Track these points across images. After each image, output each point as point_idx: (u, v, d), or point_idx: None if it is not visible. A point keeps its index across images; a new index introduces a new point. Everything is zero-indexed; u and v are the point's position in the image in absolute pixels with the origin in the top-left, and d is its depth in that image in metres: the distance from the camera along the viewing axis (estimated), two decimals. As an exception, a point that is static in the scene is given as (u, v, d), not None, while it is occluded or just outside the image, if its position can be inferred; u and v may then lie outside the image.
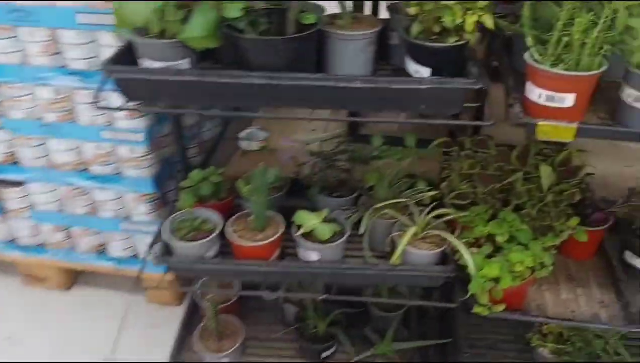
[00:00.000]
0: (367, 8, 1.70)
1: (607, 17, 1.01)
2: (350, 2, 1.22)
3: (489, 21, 1.10)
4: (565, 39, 1.04)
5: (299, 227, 1.46)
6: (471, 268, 1.30)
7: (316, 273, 1.45)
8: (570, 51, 1.05)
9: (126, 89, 1.17)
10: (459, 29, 1.13)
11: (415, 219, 1.48)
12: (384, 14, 1.40)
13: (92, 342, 1.92)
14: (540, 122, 1.08)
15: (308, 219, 1.45)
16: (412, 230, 1.44)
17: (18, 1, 1.53)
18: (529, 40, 1.09)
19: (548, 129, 1.07)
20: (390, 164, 1.57)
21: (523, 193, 1.35)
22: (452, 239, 1.38)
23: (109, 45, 1.55)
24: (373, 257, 1.52)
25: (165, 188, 1.89)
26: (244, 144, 2.10)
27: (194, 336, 1.76)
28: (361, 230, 1.49)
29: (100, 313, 2.03)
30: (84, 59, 1.60)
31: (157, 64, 1.14)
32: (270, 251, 1.47)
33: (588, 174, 1.44)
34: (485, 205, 1.42)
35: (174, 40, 1.12)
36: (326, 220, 1.50)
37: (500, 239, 1.35)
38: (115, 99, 1.44)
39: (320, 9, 1.20)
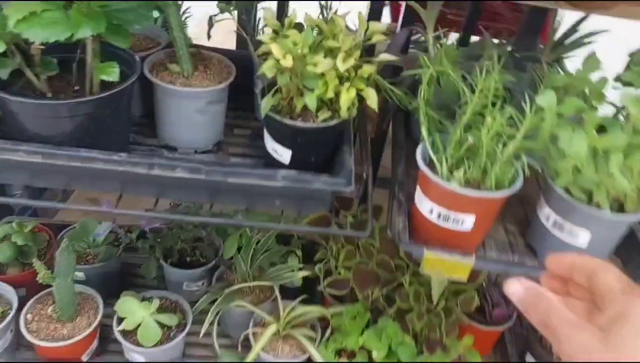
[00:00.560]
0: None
1: (528, 121, 0.71)
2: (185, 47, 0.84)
3: (372, 98, 0.77)
4: (469, 142, 0.74)
5: (121, 320, 1.10)
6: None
7: (140, 381, 1.11)
8: (475, 156, 0.75)
9: None
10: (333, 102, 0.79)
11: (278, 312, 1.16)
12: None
13: None
14: (428, 253, 0.77)
15: (132, 312, 1.09)
16: (271, 329, 1.13)
17: None
18: (423, 132, 0.78)
19: (437, 263, 0.77)
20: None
21: (409, 296, 1.06)
22: (313, 350, 1.08)
23: None
24: (225, 351, 1.19)
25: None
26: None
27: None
28: (209, 319, 1.15)
29: None
30: None
31: None
32: (82, 348, 1.11)
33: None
34: (364, 303, 1.12)
35: None
36: (163, 307, 1.15)
37: (376, 356, 1.05)
38: None
39: (133, 59, 0.82)
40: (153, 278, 1.28)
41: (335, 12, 0.86)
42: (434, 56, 0.89)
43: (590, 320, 0.41)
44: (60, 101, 0.72)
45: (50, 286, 1.11)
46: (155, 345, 1.07)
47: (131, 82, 0.76)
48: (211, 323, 1.14)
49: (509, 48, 0.95)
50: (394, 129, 1.00)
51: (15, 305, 1.11)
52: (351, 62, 0.74)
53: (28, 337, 1.05)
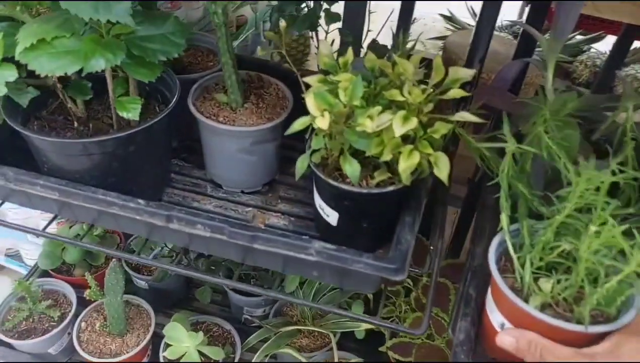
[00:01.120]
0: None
1: None
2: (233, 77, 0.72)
3: (442, 168, 0.59)
4: (562, 248, 0.54)
5: (167, 345, 1.04)
6: None
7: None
8: (570, 268, 0.55)
9: None
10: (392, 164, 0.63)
11: (333, 364, 1.03)
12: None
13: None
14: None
15: (178, 340, 1.02)
16: (320, 386, 1.00)
17: None
18: (503, 219, 0.58)
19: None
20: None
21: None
22: None
23: None
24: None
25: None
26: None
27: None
28: (256, 360, 1.05)
29: None
30: None
31: None
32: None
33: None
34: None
35: None
36: (214, 336, 1.08)
37: None
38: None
39: (174, 82, 0.71)
40: (209, 302, 1.21)
41: (411, 44, 0.68)
42: (551, 104, 0.67)
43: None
44: (69, 140, 0.64)
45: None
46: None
47: (159, 118, 0.66)
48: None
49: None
50: (483, 194, 0.79)
51: (74, 307, 1.10)
52: (414, 123, 0.56)
53: (77, 348, 1.03)
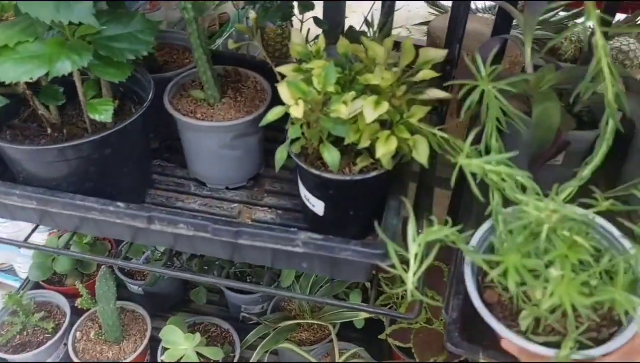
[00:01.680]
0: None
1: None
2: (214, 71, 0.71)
3: (421, 151, 0.58)
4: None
5: (165, 349, 1.03)
6: None
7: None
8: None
9: None
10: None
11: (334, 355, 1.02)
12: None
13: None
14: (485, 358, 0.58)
15: (175, 344, 1.01)
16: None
17: None
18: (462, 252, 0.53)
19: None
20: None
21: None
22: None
23: None
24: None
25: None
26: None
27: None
28: (256, 356, 1.05)
29: None
30: None
31: None
32: (127, 372, 1.06)
33: None
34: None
35: None
36: (212, 337, 1.07)
37: None
38: None
39: (148, 81, 0.70)
40: (205, 303, 1.20)
41: (382, 27, 0.66)
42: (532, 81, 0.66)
43: None
44: (41, 147, 0.63)
45: (102, 303, 1.07)
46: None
47: (133, 119, 0.64)
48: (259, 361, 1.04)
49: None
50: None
51: (68, 317, 1.09)
52: (385, 107, 0.55)
53: (74, 358, 1.02)
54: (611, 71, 0.47)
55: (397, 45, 0.63)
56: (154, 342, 1.08)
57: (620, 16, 1.50)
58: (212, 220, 0.63)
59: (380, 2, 0.83)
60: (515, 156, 0.57)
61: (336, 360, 1.01)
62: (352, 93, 0.56)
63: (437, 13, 1.81)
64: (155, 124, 0.77)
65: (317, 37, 0.66)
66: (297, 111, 0.53)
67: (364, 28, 0.79)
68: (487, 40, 0.82)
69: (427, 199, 0.72)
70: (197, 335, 1.00)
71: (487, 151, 0.58)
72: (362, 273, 0.67)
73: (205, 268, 1.11)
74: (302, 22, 0.79)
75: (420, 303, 0.65)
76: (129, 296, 1.17)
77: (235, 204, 0.76)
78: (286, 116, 0.59)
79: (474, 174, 0.49)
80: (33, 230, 0.79)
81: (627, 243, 0.49)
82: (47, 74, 0.55)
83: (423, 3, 1.85)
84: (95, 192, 0.66)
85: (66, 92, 0.67)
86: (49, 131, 0.68)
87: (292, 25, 0.84)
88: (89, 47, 0.57)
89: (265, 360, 1.04)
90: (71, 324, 1.08)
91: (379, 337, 0.99)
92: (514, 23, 0.85)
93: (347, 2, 0.95)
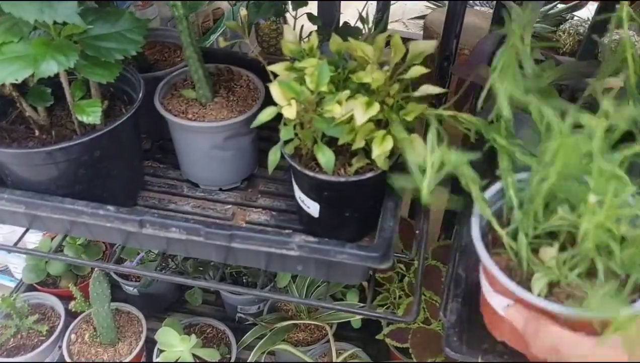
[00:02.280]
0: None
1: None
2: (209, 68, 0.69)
3: (419, 152, 0.57)
4: (558, 217, 0.46)
5: (161, 351, 1.02)
6: None
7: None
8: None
9: None
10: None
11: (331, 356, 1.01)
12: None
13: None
14: (485, 366, 0.56)
15: (171, 346, 1.00)
16: (319, 380, 0.98)
17: None
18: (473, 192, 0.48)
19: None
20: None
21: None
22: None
23: None
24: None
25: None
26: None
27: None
28: (253, 357, 1.03)
29: None
30: None
31: None
32: (122, 375, 1.05)
33: None
34: (429, 364, 0.93)
35: None
36: (208, 338, 1.06)
37: None
38: None
39: (138, 80, 0.68)
40: (201, 303, 1.18)
41: (377, 23, 0.65)
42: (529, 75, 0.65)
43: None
44: (28, 150, 0.61)
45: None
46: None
47: (123, 120, 0.63)
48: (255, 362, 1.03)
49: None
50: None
51: (62, 319, 1.08)
52: (376, 108, 0.53)
53: (68, 360, 1.01)
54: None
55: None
56: (150, 343, 1.07)
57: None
58: (205, 223, 0.62)
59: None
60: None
61: (333, 361, 1.00)
62: (347, 92, 0.54)
63: (433, 7, 1.79)
64: (147, 125, 0.76)
65: (310, 33, 0.65)
66: (289, 112, 0.52)
67: (360, 23, 0.78)
68: (486, 35, 0.80)
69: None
70: (193, 336, 0.99)
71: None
72: (358, 276, 0.66)
73: (201, 269, 1.10)
74: (295, 18, 0.77)
75: (417, 305, 0.64)
76: (124, 298, 1.16)
77: (229, 206, 0.75)
78: (280, 115, 0.58)
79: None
80: (24, 233, 0.77)
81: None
82: (33, 75, 0.54)
83: (420, -4, 1.84)
84: (86, 195, 0.65)
85: (54, 93, 0.65)
86: (37, 133, 0.66)
87: (286, 22, 0.82)
88: (76, 47, 0.56)
89: (262, 361, 1.03)
90: (66, 326, 1.07)
91: (376, 337, 0.98)
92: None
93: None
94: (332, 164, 0.56)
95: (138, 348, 1.03)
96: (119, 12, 0.60)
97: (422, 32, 1.64)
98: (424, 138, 0.59)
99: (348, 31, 0.78)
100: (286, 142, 0.60)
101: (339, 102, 0.54)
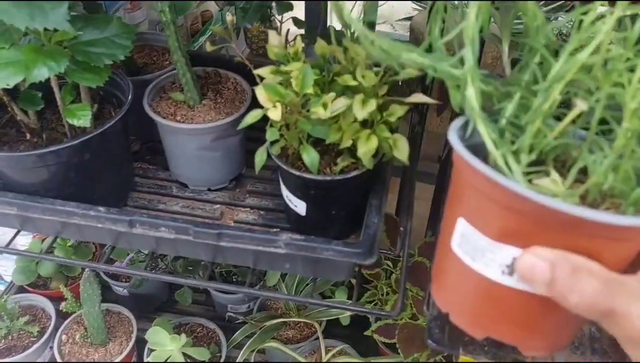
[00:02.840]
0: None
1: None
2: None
3: (401, 149, 0.59)
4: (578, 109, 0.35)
5: (151, 350, 1.03)
6: None
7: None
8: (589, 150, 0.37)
9: None
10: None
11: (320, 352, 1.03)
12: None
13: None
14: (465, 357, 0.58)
15: (161, 345, 1.01)
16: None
17: None
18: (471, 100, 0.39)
19: (478, 373, 0.58)
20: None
21: None
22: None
23: None
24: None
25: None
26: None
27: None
28: (242, 356, 1.05)
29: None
30: None
31: None
32: (113, 375, 1.06)
33: None
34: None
35: None
36: (198, 337, 1.07)
37: None
38: None
39: (127, 84, 0.70)
40: (191, 303, 1.20)
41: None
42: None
43: None
44: (19, 153, 0.62)
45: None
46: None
47: (112, 123, 0.64)
48: (245, 360, 1.04)
49: None
50: (449, 169, 0.79)
51: (53, 321, 1.09)
52: (373, 105, 0.55)
53: (59, 361, 1.02)
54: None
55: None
56: (140, 343, 1.08)
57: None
58: (194, 223, 0.64)
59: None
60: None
61: (322, 357, 1.02)
62: (332, 94, 0.56)
63: (420, 8, 1.81)
64: (136, 127, 0.77)
65: (296, 37, 0.66)
66: (275, 114, 0.54)
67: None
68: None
69: (408, 195, 0.73)
70: (183, 335, 1.01)
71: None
72: (345, 273, 0.67)
73: (190, 268, 1.11)
74: (281, 22, 0.79)
75: (402, 300, 0.66)
76: (114, 299, 1.17)
77: (218, 206, 0.77)
78: (267, 116, 0.59)
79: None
80: (15, 235, 0.78)
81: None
82: (24, 80, 0.55)
83: (407, -4, 1.86)
84: (77, 197, 0.66)
85: (45, 97, 0.66)
86: (28, 136, 0.67)
87: (272, 26, 0.84)
88: (66, 52, 0.57)
89: (252, 360, 1.05)
90: (56, 327, 1.08)
91: (365, 333, 1.00)
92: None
93: (329, 2, 0.95)
94: (316, 164, 0.57)
95: (129, 348, 1.05)
96: (108, 18, 0.61)
97: (408, 34, 1.66)
98: (408, 138, 0.62)
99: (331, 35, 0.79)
100: (273, 143, 0.62)
101: (325, 105, 0.56)
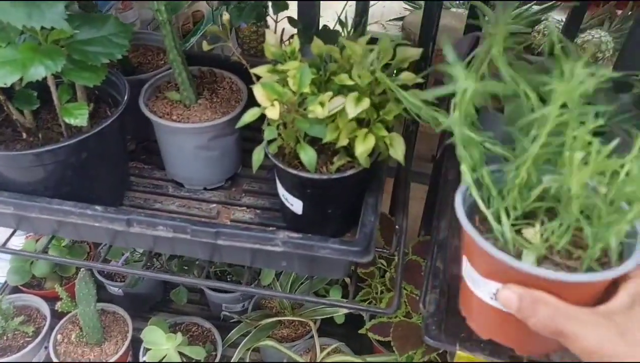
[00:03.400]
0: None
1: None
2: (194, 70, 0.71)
3: (397, 148, 0.60)
4: (544, 186, 0.45)
5: (147, 350, 1.03)
6: None
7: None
8: (558, 208, 0.46)
9: None
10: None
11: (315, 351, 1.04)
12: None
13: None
14: (461, 354, 0.59)
15: (157, 344, 1.01)
16: (303, 374, 1.00)
17: None
18: (463, 168, 0.47)
19: (474, 368, 0.59)
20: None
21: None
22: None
23: None
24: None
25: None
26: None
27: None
28: (237, 355, 1.05)
29: None
30: None
31: None
32: (108, 374, 1.06)
33: None
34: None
35: None
36: (194, 336, 1.07)
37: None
38: None
39: (123, 83, 0.70)
40: (186, 302, 1.20)
41: (356, 27, 0.67)
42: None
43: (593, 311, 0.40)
44: (15, 153, 0.62)
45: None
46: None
47: (109, 122, 0.64)
48: (241, 359, 1.04)
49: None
50: (444, 168, 0.80)
51: (48, 321, 1.09)
52: (366, 103, 0.56)
53: (55, 361, 1.02)
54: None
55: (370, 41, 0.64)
56: (136, 342, 1.08)
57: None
58: (191, 222, 0.64)
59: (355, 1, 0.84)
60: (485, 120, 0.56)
61: (317, 356, 1.03)
62: (329, 93, 0.57)
63: (411, 8, 1.82)
64: (132, 126, 0.78)
65: (291, 36, 0.67)
66: (273, 113, 0.54)
67: (338, 26, 0.80)
68: (460, 37, 0.83)
69: (404, 194, 0.74)
70: (179, 335, 1.01)
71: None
72: (341, 271, 0.68)
73: (185, 268, 1.11)
74: (276, 22, 0.79)
75: (398, 298, 0.67)
76: (109, 298, 1.17)
77: (214, 205, 0.77)
78: (263, 115, 0.60)
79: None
80: (11, 235, 0.78)
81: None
82: (20, 79, 0.55)
83: (398, -3, 1.87)
84: (73, 196, 0.66)
85: (41, 96, 0.66)
86: (24, 135, 0.67)
87: (267, 26, 0.84)
88: (63, 51, 0.57)
89: (247, 358, 1.05)
90: (51, 327, 1.08)
91: (359, 331, 1.00)
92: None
93: (322, 2, 0.96)
94: (314, 162, 0.58)
95: (124, 348, 1.05)
96: (105, 17, 0.61)
97: (400, 34, 1.67)
98: (404, 136, 0.62)
99: (328, 35, 0.80)
100: (269, 142, 0.62)
101: (322, 104, 0.56)
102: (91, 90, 0.67)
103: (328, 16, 0.95)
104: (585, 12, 1.24)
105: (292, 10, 0.85)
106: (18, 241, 1.17)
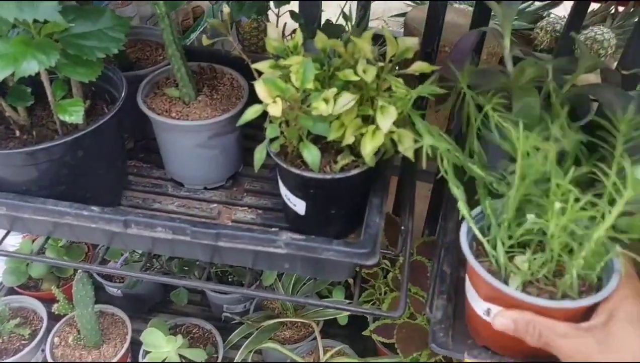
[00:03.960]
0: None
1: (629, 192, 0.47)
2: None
3: (406, 144, 0.58)
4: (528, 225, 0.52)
5: (147, 352, 1.01)
6: None
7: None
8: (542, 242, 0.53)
9: None
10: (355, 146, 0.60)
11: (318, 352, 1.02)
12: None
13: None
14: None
15: (157, 346, 0.99)
16: (306, 377, 0.98)
17: None
18: (461, 209, 0.55)
19: (484, 376, 0.56)
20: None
21: None
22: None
23: None
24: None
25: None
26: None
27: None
28: (239, 357, 1.03)
29: None
30: None
31: None
32: (107, 377, 1.04)
33: None
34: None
35: None
36: (194, 338, 1.05)
37: None
38: None
39: (120, 79, 0.68)
40: (187, 303, 1.18)
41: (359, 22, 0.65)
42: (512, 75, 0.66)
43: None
44: (8, 151, 0.60)
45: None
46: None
47: (106, 119, 0.62)
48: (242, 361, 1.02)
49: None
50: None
51: (45, 323, 1.07)
52: (394, 113, 0.54)
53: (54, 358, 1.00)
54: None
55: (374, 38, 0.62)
56: (135, 345, 1.06)
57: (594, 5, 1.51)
58: (191, 222, 0.62)
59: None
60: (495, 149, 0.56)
61: (320, 358, 1.01)
62: (334, 90, 0.55)
63: (413, 5, 1.80)
64: (130, 124, 0.75)
65: (293, 31, 0.65)
66: (275, 110, 0.52)
67: (340, 21, 0.78)
68: (466, 33, 0.81)
69: (409, 194, 0.72)
70: (179, 337, 0.99)
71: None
72: (345, 273, 0.66)
73: (186, 268, 1.09)
74: (278, 16, 0.77)
75: (405, 300, 0.65)
76: (108, 299, 1.15)
77: (215, 205, 0.75)
78: (264, 113, 0.58)
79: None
80: (5, 235, 0.76)
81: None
82: (13, 75, 0.53)
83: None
84: (69, 196, 0.64)
85: (35, 93, 0.64)
86: (18, 133, 0.65)
87: (268, 20, 0.82)
88: (56, 45, 0.55)
89: (249, 360, 1.03)
90: (48, 330, 1.06)
91: (363, 333, 0.98)
92: (492, 14, 0.84)
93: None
94: (318, 161, 0.56)
95: (123, 350, 1.02)
96: (100, 10, 0.59)
97: (402, 30, 1.65)
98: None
99: (331, 29, 0.78)
100: (272, 140, 0.60)
101: (326, 100, 0.54)
102: (87, 86, 0.65)
103: (331, 12, 0.93)
104: (588, 8, 1.22)
105: (294, 4, 0.82)
106: (14, 241, 1.15)
